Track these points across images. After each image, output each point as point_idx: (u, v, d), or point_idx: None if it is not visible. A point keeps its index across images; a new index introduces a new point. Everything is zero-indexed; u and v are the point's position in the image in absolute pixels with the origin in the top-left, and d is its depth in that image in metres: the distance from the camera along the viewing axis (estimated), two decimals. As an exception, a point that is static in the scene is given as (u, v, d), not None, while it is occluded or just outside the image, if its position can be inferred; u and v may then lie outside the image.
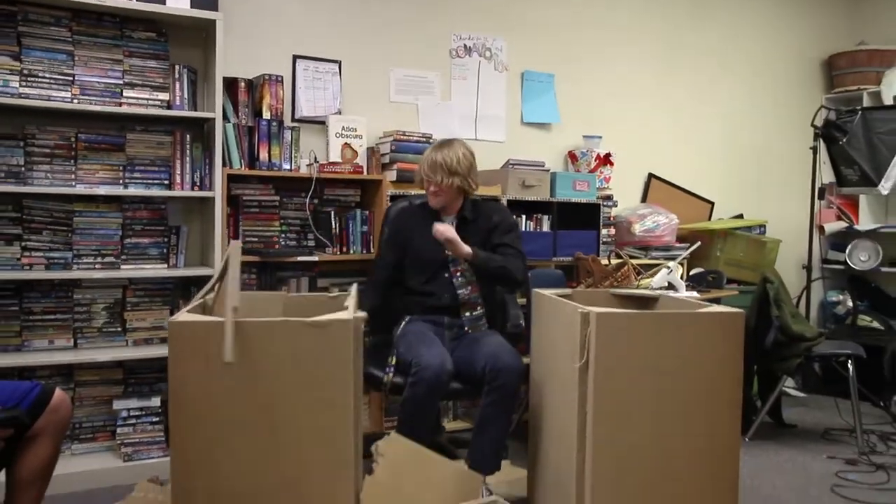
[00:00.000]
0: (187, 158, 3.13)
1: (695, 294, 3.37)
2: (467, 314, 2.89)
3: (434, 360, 2.51)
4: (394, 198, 3.31)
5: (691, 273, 3.95)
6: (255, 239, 3.29)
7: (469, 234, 2.83)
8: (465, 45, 3.92)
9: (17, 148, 2.90)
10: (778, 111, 5.11)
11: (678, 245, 4.17)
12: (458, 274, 2.90)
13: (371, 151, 3.51)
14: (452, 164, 2.82)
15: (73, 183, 2.98)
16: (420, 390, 2.49)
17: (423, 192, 2.97)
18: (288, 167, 3.29)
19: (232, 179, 3.21)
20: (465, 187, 2.87)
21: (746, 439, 3.60)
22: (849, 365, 3.55)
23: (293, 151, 3.31)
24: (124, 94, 3.02)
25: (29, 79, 2.87)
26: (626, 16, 4.50)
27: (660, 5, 4.63)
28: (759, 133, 5.06)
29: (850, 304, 4.77)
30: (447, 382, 2.54)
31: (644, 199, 4.59)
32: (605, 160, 4.20)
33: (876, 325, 4.65)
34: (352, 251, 3.41)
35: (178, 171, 3.12)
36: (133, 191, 3.06)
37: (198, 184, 3.15)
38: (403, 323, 2.90)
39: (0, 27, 2.83)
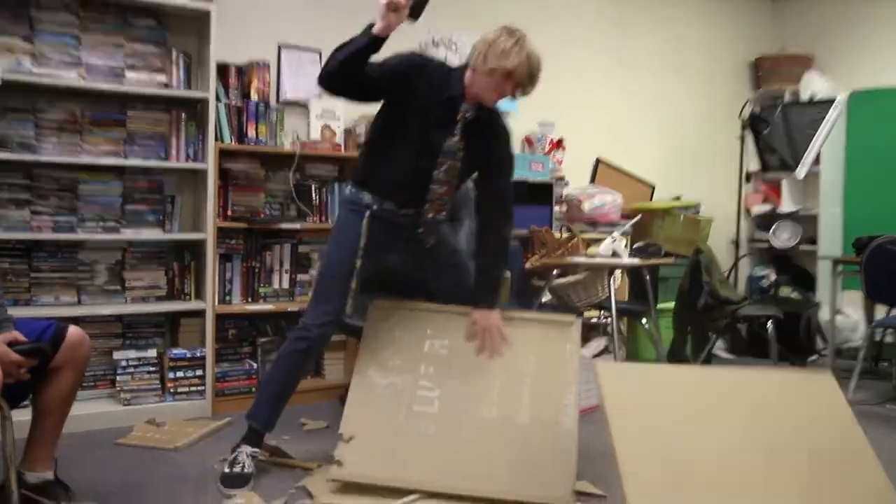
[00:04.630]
0: (182, 134, 3.39)
1: (636, 261, 3.81)
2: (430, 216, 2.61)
3: None
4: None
5: (634, 245, 4.37)
6: (243, 208, 3.57)
7: (471, 138, 2.50)
8: (433, 39, 4.28)
9: (29, 121, 3.13)
10: (712, 105, 5.57)
11: (622, 221, 4.51)
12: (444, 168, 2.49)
13: (348, 132, 3.86)
14: (537, 76, 2.39)
15: (79, 154, 3.22)
16: None
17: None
18: (273, 144, 3.60)
19: (222, 154, 3.46)
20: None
21: (680, 391, 4.05)
22: (769, 326, 3.93)
23: (278, 130, 3.62)
24: (126, 75, 3.28)
25: (40, 59, 3.12)
26: (583, 19, 4.92)
27: (614, 11, 5.07)
28: (696, 124, 5.50)
29: (773, 277, 5.25)
30: None
31: (593, 181, 4.92)
32: (558, 145, 4.60)
33: (795, 295, 5.12)
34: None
35: (174, 146, 3.39)
36: (133, 162, 3.30)
37: (191, 157, 3.41)
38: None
39: (15, 12, 3.07)
